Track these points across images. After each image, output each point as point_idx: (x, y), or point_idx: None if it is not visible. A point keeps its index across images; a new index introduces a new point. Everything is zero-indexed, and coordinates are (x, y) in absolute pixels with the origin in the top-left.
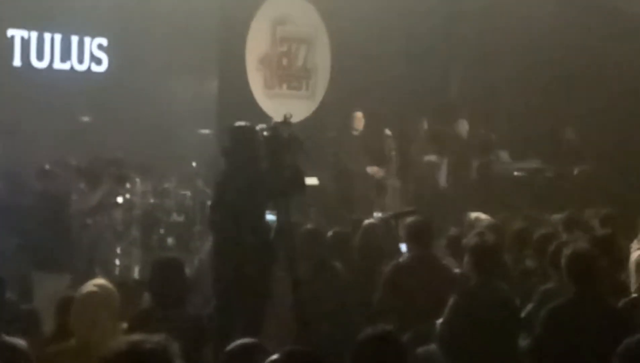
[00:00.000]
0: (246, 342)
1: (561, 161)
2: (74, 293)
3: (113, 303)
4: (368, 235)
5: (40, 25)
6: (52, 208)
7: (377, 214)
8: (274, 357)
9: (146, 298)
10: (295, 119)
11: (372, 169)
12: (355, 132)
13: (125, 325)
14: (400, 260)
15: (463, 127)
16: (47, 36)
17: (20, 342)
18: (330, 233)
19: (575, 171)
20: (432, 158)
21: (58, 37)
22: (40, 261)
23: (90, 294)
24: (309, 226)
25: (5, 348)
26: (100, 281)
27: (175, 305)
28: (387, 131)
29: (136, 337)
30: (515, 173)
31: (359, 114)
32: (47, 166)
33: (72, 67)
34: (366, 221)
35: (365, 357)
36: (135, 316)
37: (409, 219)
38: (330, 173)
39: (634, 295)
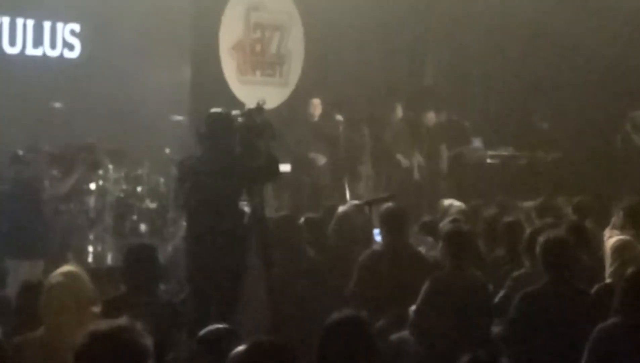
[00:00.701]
0: (218, 327)
1: (532, 148)
2: (38, 279)
3: (82, 291)
4: (342, 221)
5: (12, 10)
6: (24, 195)
7: (351, 201)
8: (241, 348)
9: (119, 285)
10: (268, 106)
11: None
12: (313, 119)
13: (97, 310)
14: (375, 247)
15: (437, 115)
16: (19, 21)
17: None
18: (302, 219)
19: (549, 159)
20: (400, 157)
21: (30, 22)
22: (13, 248)
23: (58, 283)
24: (282, 212)
25: None
26: (69, 268)
27: (147, 291)
28: (339, 117)
29: (107, 322)
30: (489, 161)
31: (315, 101)
32: (20, 152)
33: (44, 53)
34: (340, 208)
35: (333, 340)
36: (107, 302)
37: (384, 206)
38: (297, 161)
39: (608, 281)
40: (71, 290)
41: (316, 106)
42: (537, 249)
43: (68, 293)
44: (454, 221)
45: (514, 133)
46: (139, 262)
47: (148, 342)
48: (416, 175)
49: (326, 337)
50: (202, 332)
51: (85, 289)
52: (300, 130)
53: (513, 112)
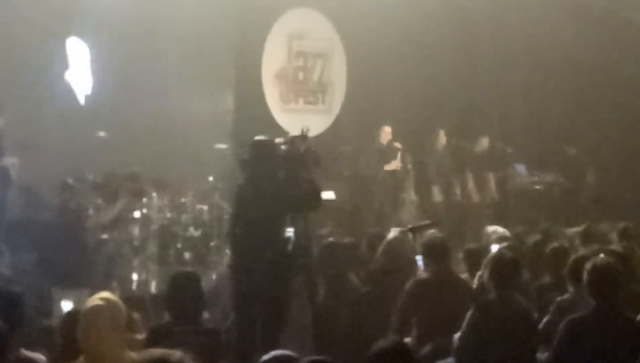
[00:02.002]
0: (282, 353)
1: (566, 175)
2: (79, 308)
3: (119, 317)
4: (390, 248)
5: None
6: (70, 223)
7: (395, 228)
8: None
9: (163, 313)
10: (311, 134)
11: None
12: (379, 146)
13: (140, 338)
14: (420, 275)
15: (483, 143)
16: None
17: (40, 356)
18: (342, 244)
19: (593, 184)
20: (446, 168)
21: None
22: (58, 277)
23: (95, 308)
24: (328, 239)
25: None
26: (105, 294)
27: (191, 320)
28: (397, 144)
29: (154, 351)
30: (536, 187)
31: (387, 129)
32: (69, 181)
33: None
34: (391, 235)
35: None
36: (152, 331)
37: (427, 236)
38: (347, 185)
39: None
40: (108, 315)
41: (387, 134)
42: (584, 275)
43: (105, 318)
44: (503, 247)
45: (555, 158)
46: (183, 290)
47: None
48: (460, 201)
49: None
50: (265, 358)
51: (121, 315)
52: (356, 154)
53: (551, 139)
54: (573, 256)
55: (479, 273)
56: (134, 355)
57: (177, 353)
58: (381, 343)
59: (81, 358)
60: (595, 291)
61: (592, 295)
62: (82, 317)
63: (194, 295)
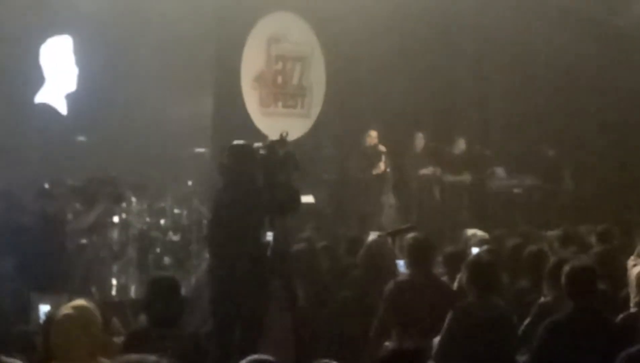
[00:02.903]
0: (260, 358)
1: (545, 178)
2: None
3: (91, 325)
4: (369, 252)
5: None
6: (48, 228)
7: (374, 233)
8: None
9: (142, 318)
10: (290, 137)
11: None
12: (365, 150)
13: (120, 342)
14: (400, 278)
15: (460, 145)
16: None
17: (17, 362)
18: (319, 247)
19: (571, 187)
20: (428, 170)
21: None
22: (37, 281)
23: (66, 316)
24: (302, 244)
25: None
26: (79, 302)
27: (170, 324)
28: (381, 147)
29: (129, 357)
30: (515, 190)
31: (373, 133)
32: (46, 186)
33: None
34: (370, 239)
35: None
36: (130, 335)
37: (409, 237)
38: (326, 189)
39: (633, 310)
40: (80, 323)
41: (372, 138)
42: (562, 277)
43: (77, 326)
44: (482, 251)
45: (534, 162)
46: (161, 295)
47: None
48: (438, 205)
49: None
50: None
51: (94, 322)
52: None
53: (529, 141)
54: (553, 259)
55: (459, 276)
56: (107, 361)
57: (152, 358)
58: (390, 347)
59: None
60: (573, 292)
61: (570, 297)
62: (53, 325)
63: (171, 300)
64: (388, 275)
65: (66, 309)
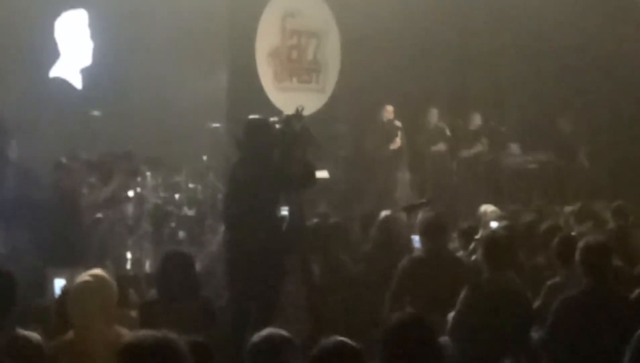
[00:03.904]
0: (274, 332)
1: (560, 154)
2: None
3: (108, 294)
4: (385, 227)
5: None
6: (64, 202)
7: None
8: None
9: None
10: (305, 112)
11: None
12: (382, 125)
13: (133, 314)
14: (415, 253)
15: (476, 121)
16: None
17: (34, 335)
18: (329, 224)
19: (586, 163)
20: (442, 146)
21: None
22: (52, 256)
23: (84, 284)
24: (317, 219)
25: (20, 341)
26: (96, 271)
27: (182, 298)
28: (397, 122)
29: (144, 331)
30: (529, 166)
31: (389, 108)
32: (62, 160)
33: None
34: (383, 214)
35: (397, 340)
36: (144, 307)
37: (423, 214)
38: (341, 165)
39: None
40: (97, 291)
41: (389, 113)
42: (577, 253)
43: (94, 293)
44: (499, 226)
45: (550, 138)
46: (173, 269)
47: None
48: (453, 180)
49: (391, 336)
50: (257, 336)
51: (110, 292)
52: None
53: (545, 117)
54: (559, 236)
55: (471, 247)
56: (124, 331)
57: (162, 332)
58: (399, 316)
59: (70, 333)
60: (587, 269)
61: (584, 273)
62: (71, 293)
63: (183, 274)
64: (401, 250)
65: (83, 277)
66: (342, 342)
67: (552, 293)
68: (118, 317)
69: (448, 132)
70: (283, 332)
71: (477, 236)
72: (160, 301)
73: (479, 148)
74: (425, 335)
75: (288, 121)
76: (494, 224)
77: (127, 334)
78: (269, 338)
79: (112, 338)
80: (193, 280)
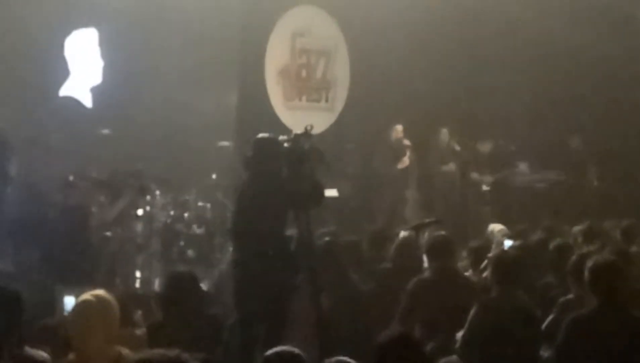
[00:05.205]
0: (286, 350)
1: (569, 172)
2: None
3: (109, 313)
4: (404, 247)
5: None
6: (73, 221)
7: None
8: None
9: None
10: (315, 131)
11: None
12: (391, 144)
13: (141, 333)
14: (423, 275)
15: (486, 141)
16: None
17: (42, 354)
18: (339, 242)
19: (595, 182)
20: (451, 167)
21: None
22: (62, 274)
23: (83, 303)
24: (327, 237)
25: (28, 360)
26: (98, 291)
27: (188, 318)
28: (406, 141)
29: (151, 350)
30: (538, 185)
31: (399, 127)
32: (71, 178)
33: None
34: (402, 234)
35: (386, 357)
36: (150, 327)
37: (431, 234)
38: (350, 183)
39: None
40: (98, 311)
41: (398, 132)
42: (586, 273)
43: (95, 313)
44: (512, 246)
45: (558, 156)
46: (178, 290)
47: None
48: (462, 199)
49: (381, 354)
50: (268, 353)
51: (111, 312)
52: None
53: (553, 135)
54: (574, 255)
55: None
56: (125, 351)
57: (174, 351)
58: (389, 333)
59: (70, 355)
60: (598, 289)
61: (594, 292)
62: (71, 312)
63: (190, 294)
64: (416, 271)
65: (84, 296)
66: (344, 362)
67: (565, 310)
68: (121, 337)
69: (458, 153)
70: (295, 350)
71: (489, 255)
72: (167, 321)
73: (487, 169)
74: (414, 353)
75: (297, 139)
76: (506, 243)
77: (131, 353)
78: (280, 355)
79: (114, 358)
80: (198, 299)
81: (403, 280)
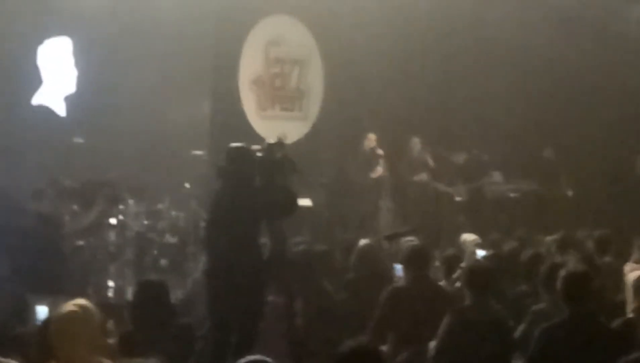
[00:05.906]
0: (258, 359)
1: (542, 182)
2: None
3: (93, 323)
4: (364, 256)
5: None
6: (45, 229)
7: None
8: None
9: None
10: (288, 140)
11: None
12: (364, 153)
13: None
14: (398, 282)
15: (459, 151)
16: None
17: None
18: (312, 252)
19: (569, 192)
20: (423, 176)
21: None
22: (34, 283)
23: (69, 313)
24: (301, 247)
25: None
26: (80, 301)
27: (158, 327)
28: (380, 151)
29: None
30: (511, 194)
31: (371, 136)
32: (45, 187)
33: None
34: (361, 242)
35: None
36: (122, 337)
37: (406, 243)
38: (323, 192)
39: (630, 316)
40: (82, 321)
41: (371, 141)
42: (558, 282)
43: (79, 323)
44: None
45: (532, 166)
46: (147, 299)
47: None
48: (435, 209)
49: None
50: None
51: (94, 322)
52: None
53: (528, 146)
54: (546, 264)
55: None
56: (108, 361)
57: (151, 360)
58: (349, 344)
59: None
60: (570, 298)
61: (566, 302)
62: (54, 323)
63: (159, 303)
64: (382, 279)
65: (68, 306)
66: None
67: (537, 319)
68: (101, 345)
69: (430, 163)
70: (267, 358)
71: (462, 264)
72: (136, 330)
73: (460, 179)
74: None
75: (270, 149)
76: (479, 253)
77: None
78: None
79: None
80: (168, 309)
81: (367, 288)
